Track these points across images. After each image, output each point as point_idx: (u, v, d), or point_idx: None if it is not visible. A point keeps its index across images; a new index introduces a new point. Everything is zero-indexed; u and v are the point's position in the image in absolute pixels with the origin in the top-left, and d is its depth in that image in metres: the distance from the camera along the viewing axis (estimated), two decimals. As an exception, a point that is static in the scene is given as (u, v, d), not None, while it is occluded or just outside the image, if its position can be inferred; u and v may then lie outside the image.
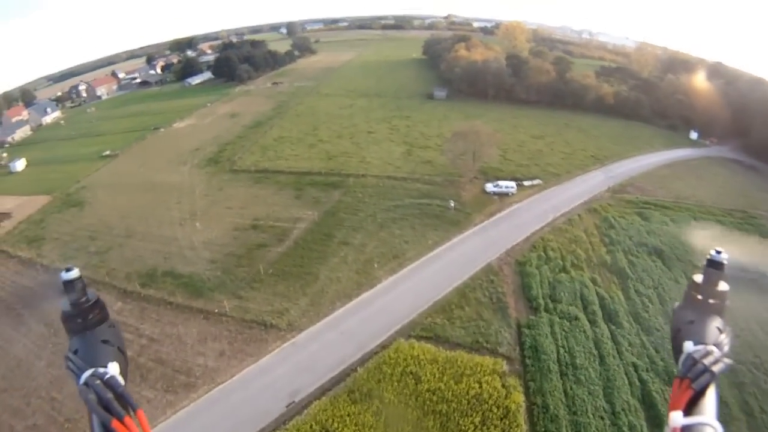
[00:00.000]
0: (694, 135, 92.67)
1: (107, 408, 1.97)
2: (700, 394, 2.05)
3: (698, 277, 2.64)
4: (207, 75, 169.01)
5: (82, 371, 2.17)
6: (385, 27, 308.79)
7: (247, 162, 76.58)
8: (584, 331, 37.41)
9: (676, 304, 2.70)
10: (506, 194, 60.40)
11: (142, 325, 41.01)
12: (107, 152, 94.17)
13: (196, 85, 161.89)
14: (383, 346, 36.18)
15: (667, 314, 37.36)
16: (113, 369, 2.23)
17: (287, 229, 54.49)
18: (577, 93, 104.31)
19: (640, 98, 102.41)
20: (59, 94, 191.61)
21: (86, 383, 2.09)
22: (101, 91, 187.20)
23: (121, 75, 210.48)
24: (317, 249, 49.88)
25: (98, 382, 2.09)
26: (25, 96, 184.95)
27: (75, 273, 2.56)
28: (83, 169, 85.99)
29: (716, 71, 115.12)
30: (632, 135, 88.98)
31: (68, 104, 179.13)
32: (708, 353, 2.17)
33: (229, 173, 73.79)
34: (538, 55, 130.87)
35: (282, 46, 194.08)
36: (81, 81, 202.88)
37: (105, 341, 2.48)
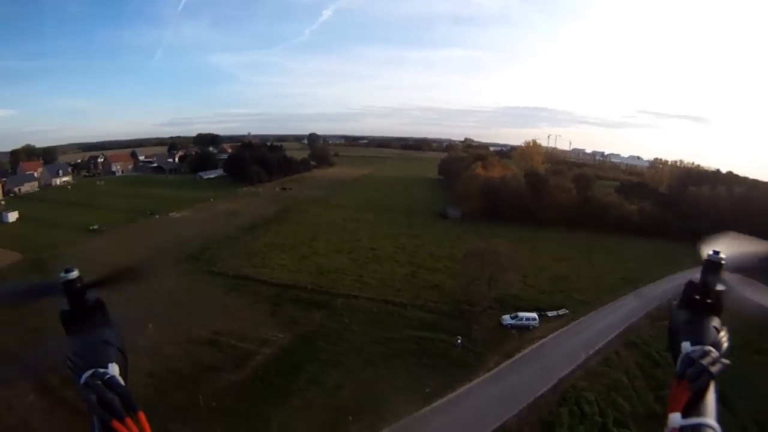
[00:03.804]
0: None
1: (108, 408, 1.96)
2: (698, 394, 2.06)
3: (696, 277, 2.65)
4: (220, 171, 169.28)
5: (83, 371, 2.17)
6: (404, 147, 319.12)
7: (228, 265, 69.30)
8: None
9: (674, 303, 2.70)
10: (527, 328, 50.89)
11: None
12: (95, 226, 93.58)
13: (208, 179, 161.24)
14: None
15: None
16: (113, 370, 2.23)
17: (249, 352, 45.16)
18: (599, 212, 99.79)
19: (665, 214, 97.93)
20: (79, 161, 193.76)
21: (86, 383, 2.10)
22: (116, 167, 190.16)
23: (141, 157, 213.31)
24: (278, 384, 40.12)
25: (99, 382, 2.08)
26: (46, 154, 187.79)
27: (75, 273, 2.57)
28: (66, 236, 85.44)
29: (731, 180, 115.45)
30: (660, 253, 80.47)
31: (84, 173, 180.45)
32: (706, 353, 2.18)
33: (205, 274, 66.30)
34: (557, 174, 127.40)
35: (300, 155, 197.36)
36: (102, 154, 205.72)
37: (105, 342, 2.46)
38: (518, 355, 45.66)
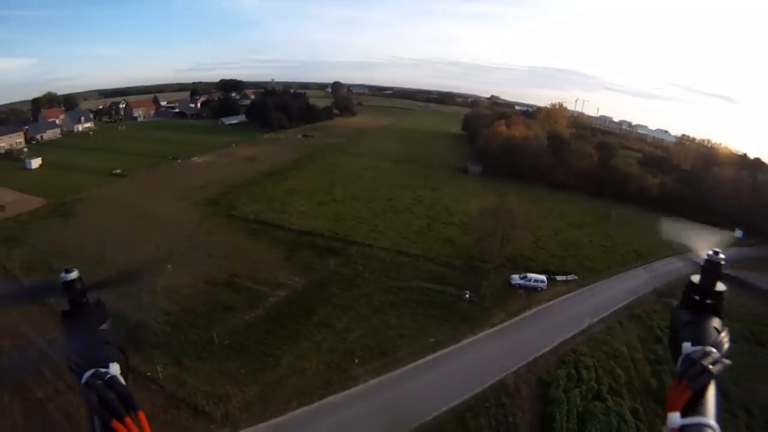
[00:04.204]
0: (739, 233, 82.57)
1: (108, 408, 1.98)
2: (699, 394, 2.05)
3: (696, 278, 2.64)
4: (242, 117, 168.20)
5: (83, 371, 2.18)
6: (428, 100, 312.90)
7: (247, 210, 70.19)
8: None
9: (674, 303, 2.66)
10: (535, 289, 50.54)
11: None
12: (117, 171, 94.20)
13: (229, 125, 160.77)
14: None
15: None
16: (114, 369, 2.24)
17: (264, 294, 46.21)
18: (619, 182, 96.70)
19: (684, 192, 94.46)
20: (100, 107, 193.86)
21: (87, 383, 2.11)
22: (138, 112, 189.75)
23: (163, 102, 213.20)
24: (290, 326, 41.15)
25: (99, 382, 2.10)
26: (68, 101, 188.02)
27: (75, 274, 2.64)
28: (88, 181, 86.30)
29: (757, 166, 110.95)
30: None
31: (105, 119, 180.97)
32: (706, 354, 2.17)
33: (224, 218, 67.49)
34: (580, 139, 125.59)
35: (323, 103, 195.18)
36: (123, 100, 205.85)
37: (106, 342, 2.46)
38: (523, 315, 45.72)
